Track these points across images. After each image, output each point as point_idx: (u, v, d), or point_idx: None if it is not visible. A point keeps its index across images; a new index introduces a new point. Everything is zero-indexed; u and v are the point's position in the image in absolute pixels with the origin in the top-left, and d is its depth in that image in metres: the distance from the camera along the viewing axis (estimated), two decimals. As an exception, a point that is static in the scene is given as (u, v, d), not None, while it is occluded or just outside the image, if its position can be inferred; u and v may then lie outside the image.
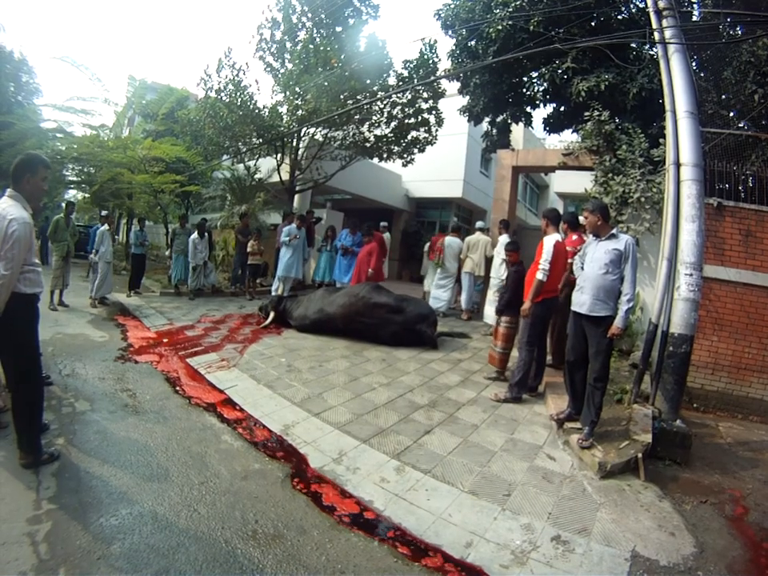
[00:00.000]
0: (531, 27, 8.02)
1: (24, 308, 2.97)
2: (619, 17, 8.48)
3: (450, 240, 9.76)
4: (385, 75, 11.68)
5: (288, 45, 11.88)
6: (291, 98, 10.93)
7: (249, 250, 10.31)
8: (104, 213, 10.44)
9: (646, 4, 5.56)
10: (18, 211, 2.87)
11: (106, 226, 8.83)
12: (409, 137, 12.98)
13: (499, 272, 8.08)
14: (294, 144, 12.93)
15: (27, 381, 3.04)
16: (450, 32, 9.79)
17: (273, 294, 9.50)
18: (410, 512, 2.92)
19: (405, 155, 13.38)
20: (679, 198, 4.60)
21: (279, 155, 12.80)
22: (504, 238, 8.25)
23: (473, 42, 9.37)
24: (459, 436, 4.05)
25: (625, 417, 4.35)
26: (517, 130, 13.61)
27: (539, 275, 4.67)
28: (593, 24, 8.37)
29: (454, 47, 9.84)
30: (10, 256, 2.78)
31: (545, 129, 10.40)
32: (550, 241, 4.78)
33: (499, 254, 8.11)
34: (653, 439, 3.88)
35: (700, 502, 3.36)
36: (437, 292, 9.65)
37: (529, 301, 4.77)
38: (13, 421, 3.08)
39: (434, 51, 11.52)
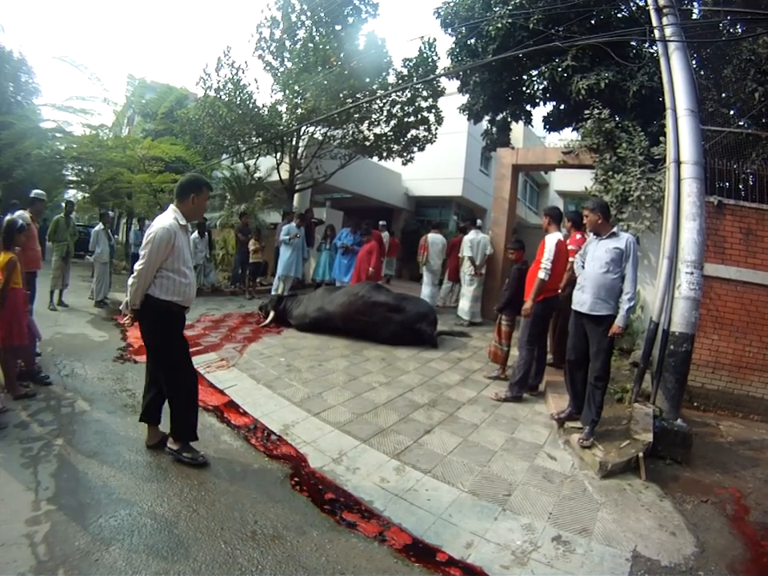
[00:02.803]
0: (531, 25, 7.99)
1: (152, 312, 3.13)
2: (619, 15, 8.46)
3: (434, 237, 9.71)
4: (384, 74, 11.67)
5: (287, 43, 11.86)
6: (290, 96, 10.92)
7: (251, 248, 10.30)
8: (102, 212, 10.44)
9: (646, 2, 5.55)
10: (165, 220, 3.11)
11: (100, 226, 8.82)
12: (408, 135, 12.96)
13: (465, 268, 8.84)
14: (294, 143, 12.92)
15: (164, 376, 3.27)
16: (449, 30, 9.75)
17: (273, 293, 9.48)
18: (410, 512, 2.91)
19: (404, 154, 13.37)
20: (680, 196, 4.59)
21: (279, 154, 12.78)
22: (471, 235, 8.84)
23: (472, 40, 9.34)
24: (459, 435, 4.04)
25: (626, 416, 4.34)
26: (517, 129, 13.58)
27: (541, 274, 4.66)
28: (593, 22, 8.34)
29: (453, 45, 9.82)
30: (146, 257, 3.01)
31: (545, 127, 10.38)
32: (551, 240, 4.76)
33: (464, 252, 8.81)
34: (654, 438, 3.87)
35: (701, 501, 3.35)
36: (422, 289, 9.65)
37: (530, 300, 4.75)
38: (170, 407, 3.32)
39: (433, 49, 11.51)
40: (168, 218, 3.14)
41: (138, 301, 3.08)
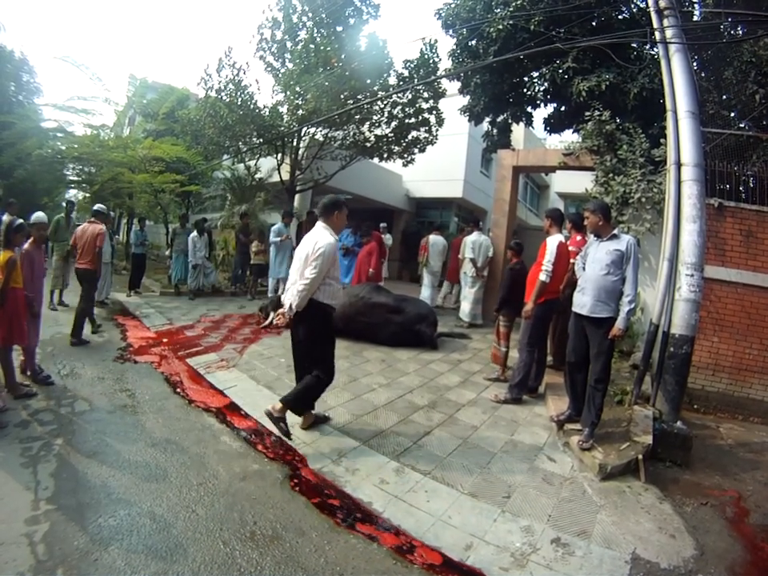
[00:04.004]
0: (532, 27, 7.99)
1: (317, 313, 3.72)
2: (620, 16, 8.45)
3: (434, 238, 9.74)
4: (385, 75, 11.67)
5: (288, 44, 11.86)
6: (291, 97, 10.92)
7: (254, 250, 10.31)
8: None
9: (647, 3, 5.54)
10: (327, 235, 3.72)
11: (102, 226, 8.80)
12: (409, 137, 12.96)
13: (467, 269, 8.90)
14: (295, 144, 12.91)
15: (318, 366, 3.83)
16: (450, 31, 9.75)
17: (269, 294, 9.48)
18: (409, 514, 2.91)
19: (405, 155, 13.37)
20: (680, 199, 4.58)
21: (279, 155, 12.79)
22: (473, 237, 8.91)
23: (473, 42, 9.34)
24: (459, 437, 4.04)
25: (625, 418, 4.34)
26: (517, 130, 13.58)
27: (542, 276, 4.65)
28: (594, 24, 8.34)
29: (454, 47, 9.82)
30: (317, 267, 3.54)
31: (545, 129, 10.37)
32: (553, 242, 4.76)
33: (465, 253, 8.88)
34: (653, 441, 3.86)
35: (701, 503, 3.35)
36: (422, 291, 9.65)
37: (531, 302, 4.75)
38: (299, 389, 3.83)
39: (434, 51, 11.51)
40: (327, 234, 3.74)
41: (304, 304, 3.58)
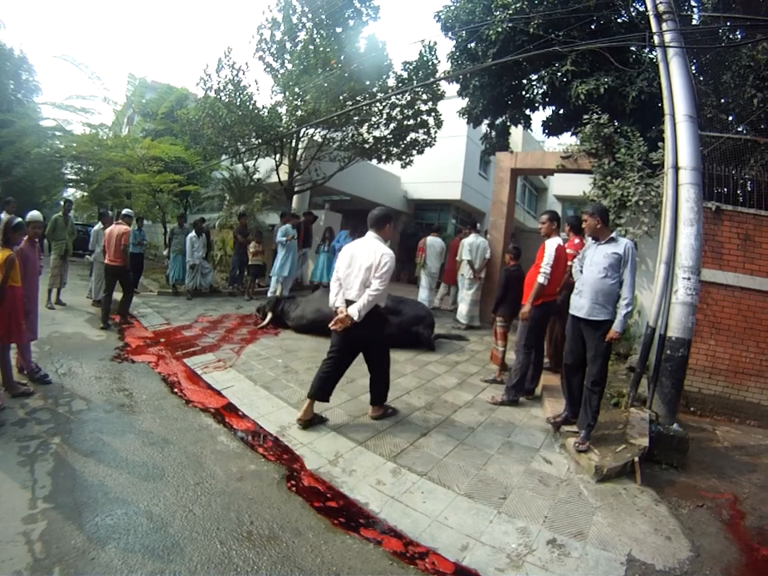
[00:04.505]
0: (531, 30, 8.02)
1: (378, 317, 4.05)
2: (619, 20, 8.50)
3: (432, 240, 9.77)
4: (384, 76, 11.68)
5: (288, 45, 11.86)
6: (290, 98, 10.93)
7: (252, 250, 10.33)
8: (101, 211, 10.44)
9: (646, 7, 5.57)
10: (386, 248, 4.01)
11: (100, 225, 8.80)
12: (408, 138, 12.99)
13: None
14: (293, 144, 12.92)
15: (380, 358, 4.27)
16: (449, 34, 9.79)
17: (269, 294, 9.49)
18: (405, 514, 2.92)
19: (404, 157, 13.38)
20: (678, 202, 4.60)
21: (278, 156, 12.79)
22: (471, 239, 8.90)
23: (472, 44, 9.38)
24: (456, 439, 4.04)
25: (622, 420, 4.35)
26: (516, 133, 13.64)
27: (540, 279, 4.67)
28: (592, 27, 8.38)
29: (453, 49, 9.86)
30: (384, 278, 3.84)
31: (544, 131, 10.42)
32: (551, 244, 4.77)
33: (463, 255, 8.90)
34: (650, 443, 3.87)
35: (696, 506, 3.36)
36: (420, 292, 9.66)
37: (529, 304, 4.76)
38: (371, 385, 4.33)
39: (433, 53, 11.53)
40: (385, 246, 4.03)
41: (369, 309, 3.85)
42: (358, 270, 3.91)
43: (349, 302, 3.92)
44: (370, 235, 4.07)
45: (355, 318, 3.81)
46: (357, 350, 4.16)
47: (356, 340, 4.03)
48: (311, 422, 4.05)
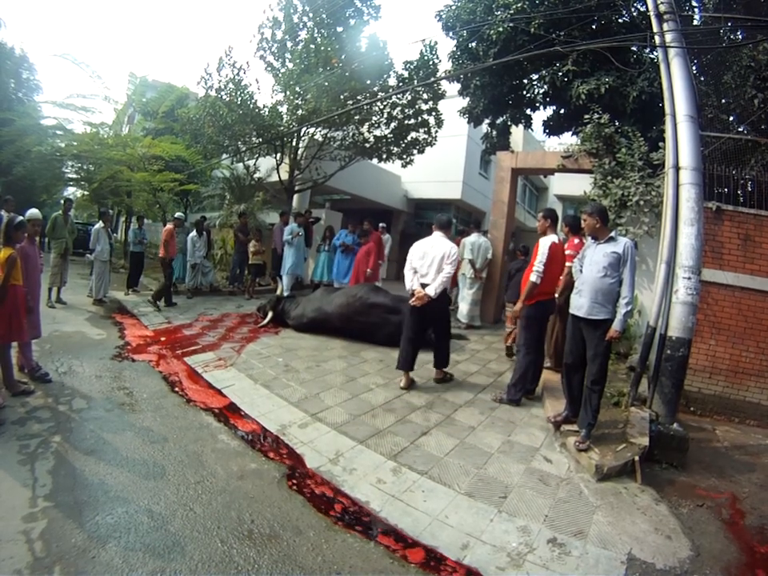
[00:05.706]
0: (532, 29, 8.01)
1: (443, 296, 5.17)
2: (620, 20, 8.49)
3: None
4: (385, 76, 11.68)
5: (289, 44, 11.86)
6: (291, 97, 10.92)
7: (252, 249, 10.34)
8: (102, 210, 10.44)
9: (647, 7, 5.57)
10: (453, 243, 5.15)
11: (100, 224, 8.80)
12: (408, 138, 12.96)
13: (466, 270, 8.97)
14: (294, 144, 12.90)
15: (445, 330, 5.43)
16: (450, 33, 9.78)
17: (285, 292, 9.46)
18: (406, 513, 2.92)
19: (404, 156, 13.36)
20: (678, 202, 4.60)
21: (278, 155, 12.77)
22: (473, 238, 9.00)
23: (473, 44, 9.36)
24: (456, 437, 4.04)
25: (622, 420, 4.35)
26: (516, 132, 13.61)
27: (533, 277, 4.67)
28: (594, 27, 8.37)
29: (454, 49, 9.84)
30: (453, 264, 4.98)
31: (544, 131, 10.41)
32: (546, 242, 4.77)
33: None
34: (650, 442, 3.87)
35: (697, 505, 3.36)
36: None
37: (521, 302, 4.77)
38: (436, 352, 5.42)
39: (434, 52, 11.52)
40: (452, 243, 5.12)
41: (440, 290, 4.94)
42: (432, 260, 4.96)
43: (423, 285, 4.94)
44: (438, 234, 5.15)
45: (432, 295, 4.87)
46: (428, 325, 5.27)
47: (428, 314, 5.08)
48: (412, 383, 5.25)
